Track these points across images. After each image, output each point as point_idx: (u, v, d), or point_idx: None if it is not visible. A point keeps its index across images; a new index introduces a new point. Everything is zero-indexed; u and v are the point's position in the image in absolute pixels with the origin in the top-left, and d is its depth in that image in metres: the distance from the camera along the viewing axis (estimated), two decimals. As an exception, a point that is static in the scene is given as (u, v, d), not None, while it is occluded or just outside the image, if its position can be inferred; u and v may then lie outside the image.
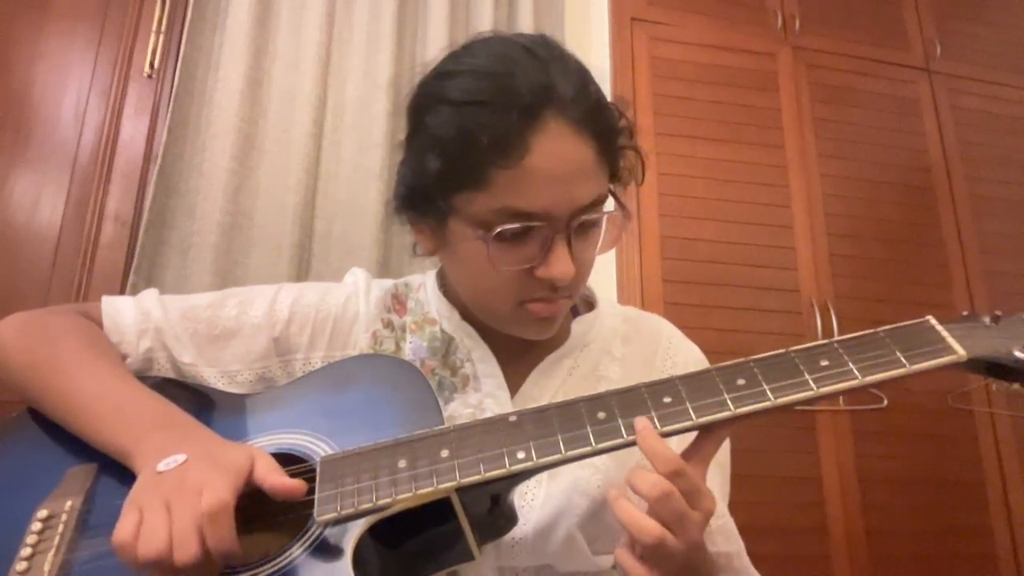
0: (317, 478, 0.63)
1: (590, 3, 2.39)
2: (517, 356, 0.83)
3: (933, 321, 0.62)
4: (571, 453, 0.60)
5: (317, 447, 0.68)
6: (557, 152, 0.67)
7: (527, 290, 0.72)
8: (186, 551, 0.55)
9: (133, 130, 1.93)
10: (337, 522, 0.61)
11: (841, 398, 2.04)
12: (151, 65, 1.96)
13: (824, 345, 0.62)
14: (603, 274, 2.05)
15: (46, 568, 0.61)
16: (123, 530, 0.56)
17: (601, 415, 0.61)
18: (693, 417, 0.60)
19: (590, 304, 0.90)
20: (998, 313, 0.61)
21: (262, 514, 0.64)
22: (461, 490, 0.60)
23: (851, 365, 0.60)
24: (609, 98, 0.75)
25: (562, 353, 0.83)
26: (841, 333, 0.63)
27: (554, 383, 0.82)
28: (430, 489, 0.60)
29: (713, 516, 0.73)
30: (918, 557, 2.03)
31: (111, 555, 0.62)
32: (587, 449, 0.60)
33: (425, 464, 0.61)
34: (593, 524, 0.74)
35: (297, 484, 0.62)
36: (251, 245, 1.87)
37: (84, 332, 0.79)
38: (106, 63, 1.95)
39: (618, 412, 0.61)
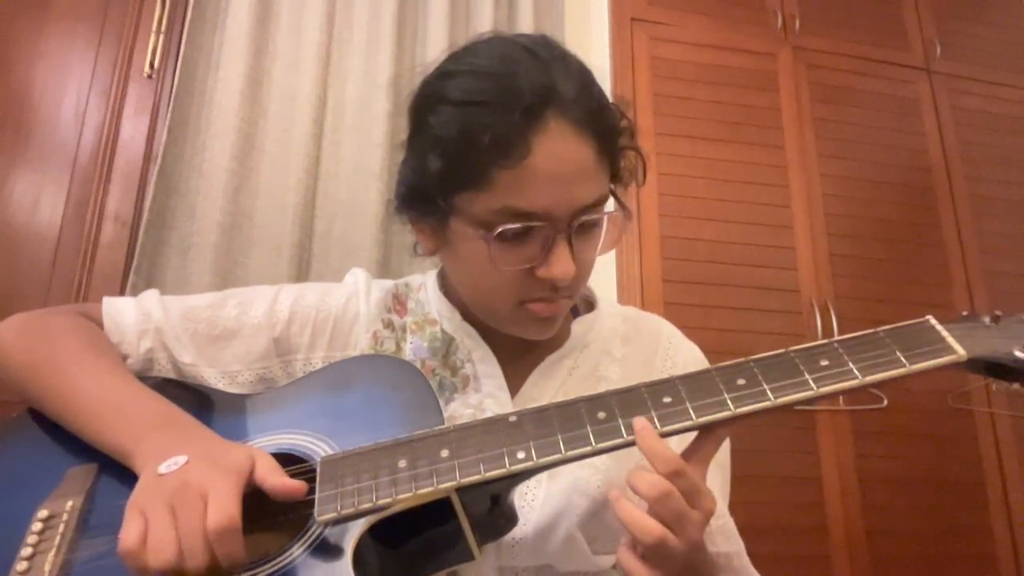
0: (317, 478, 0.63)
1: (590, 3, 2.39)
2: (517, 356, 0.83)
3: (933, 321, 0.62)
4: (571, 453, 0.60)
5: (317, 447, 0.68)
6: (558, 152, 0.67)
7: (528, 290, 0.72)
8: (196, 561, 0.55)
9: (133, 130, 1.93)
10: (337, 522, 0.61)
11: (841, 398, 2.04)
12: (151, 65, 1.97)
13: (824, 345, 0.62)
14: (603, 274, 2.06)
15: (46, 568, 0.61)
16: (129, 537, 0.56)
17: (601, 415, 0.61)
18: (693, 417, 0.60)
19: (590, 304, 0.90)
20: (998, 313, 0.61)
21: (262, 514, 0.64)
22: (461, 490, 0.60)
23: (851, 365, 0.60)
24: (610, 98, 0.75)
25: (562, 353, 0.83)
26: (841, 333, 0.63)
27: (554, 384, 0.82)
28: (430, 489, 0.60)
29: (713, 516, 0.73)
30: (918, 557, 2.03)
31: (111, 555, 0.62)
32: (587, 449, 0.60)
33: (425, 464, 0.61)
34: (593, 524, 0.74)
35: (297, 484, 0.62)
36: (251, 245, 1.87)
37: (84, 332, 0.79)
38: (106, 63, 1.95)
39: (618, 412, 0.61)
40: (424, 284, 0.89)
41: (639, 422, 0.60)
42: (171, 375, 0.82)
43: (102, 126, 1.90)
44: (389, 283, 0.90)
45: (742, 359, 0.62)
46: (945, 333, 0.61)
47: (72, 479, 0.69)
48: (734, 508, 0.83)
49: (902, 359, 0.60)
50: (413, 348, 0.83)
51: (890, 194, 2.36)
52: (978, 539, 2.09)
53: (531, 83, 0.67)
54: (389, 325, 0.85)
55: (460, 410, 0.79)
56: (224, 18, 2.00)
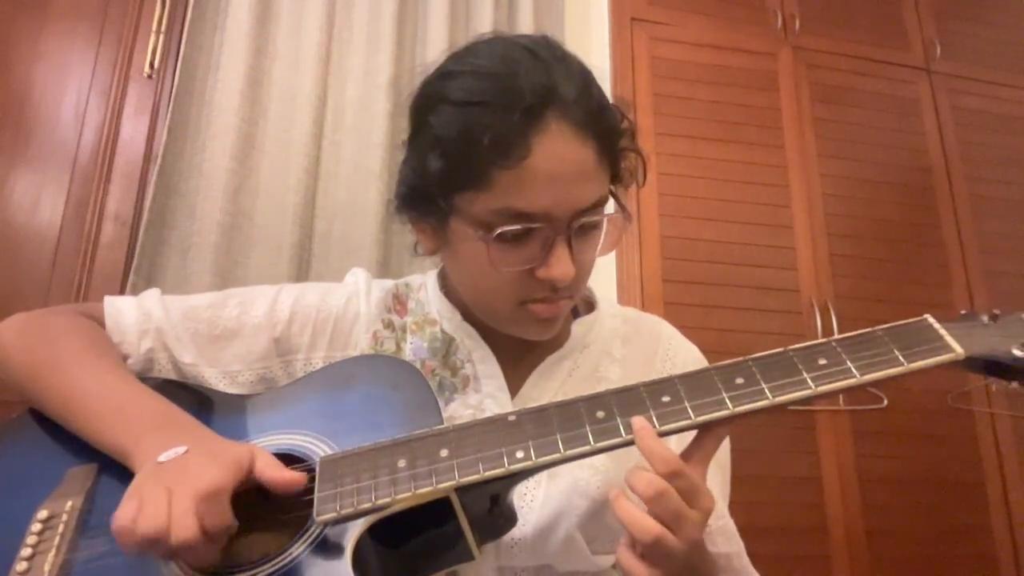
0: (317, 478, 0.63)
1: (590, 3, 2.39)
2: (517, 357, 0.83)
3: (931, 320, 0.62)
4: (570, 452, 0.60)
5: (317, 447, 0.69)
6: (558, 153, 0.67)
7: (527, 290, 0.72)
8: (183, 530, 0.55)
9: (133, 130, 1.93)
10: (337, 522, 0.61)
11: (841, 398, 2.05)
12: (151, 65, 1.97)
13: (822, 344, 0.62)
14: (603, 274, 2.06)
15: (46, 568, 0.61)
16: (123, 515, 0.56)
17: (600, 414, 0.61)
18: (692, 416, 0.60)
19: (590, 305, 0.90)
20: (996, 312, 0.61)
21: (262, 514, 0.64)
22: (460, 490, 0.60)
23: (849, 364, 0.60)
24: (611, 100, 0.75)
25: (562, 354, 0.84)
26: (841, 333, 0.63)
27: (554, 384, 0.82)
28: (429, 489, 0.60)
29: (713, 516, 0.73)
30: (918, 557, 2.03)
31: (111, 555, 0.62)
32: (586, 448, 0.60)
33: (424, 464, 0.61)
34: (592, 524, 0.74)
35: (296, 476, 0.62)
36: (251, 245, 1.87)
37: (85, 332, 0.79)
38: (106, 63, 1.95)
39: (617, 411, 0.61)
40: (424, 284, 0.89)
41: (638, 421, 0.60)
42: (172, 375, 0.82)
43: (102, 126, 1.90)
44: (389, 283, 0.90)
45: (741, 358, 0.62)
46: (943, 332, 0.61)
47: (72, 479, 0.69)
48: (734, 508, 0.83)
49: (900, 358, 0.60)
50: (413, 348, 0.83)
51: (890, 194, 2.36)
52: (978, 539, 2.09)
53: (532, 84, 0.67)
54: (389, 325, 0.85)
55: (460, 410, 0.79)
56: (224, 18, 2.00)
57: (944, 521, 2.08)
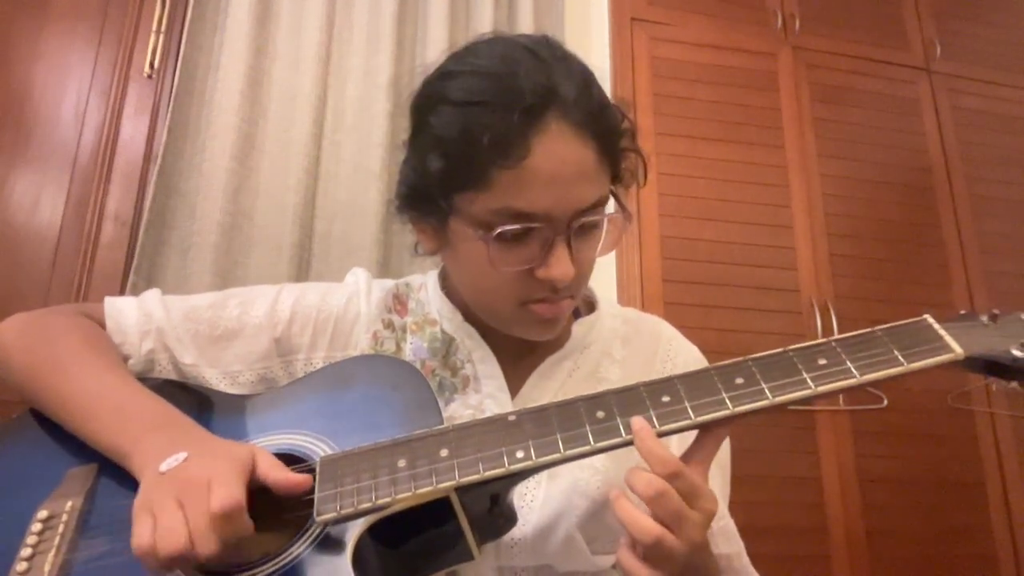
0: (317, 478, 0.63)
1: (590, 3, 2.39)
2: (518, 357, 0.83)
3: (931, 320, 0.62)
4: (570, 452, 0.60)
5: (317, 447, 0.69)
6: (558, 153, 0.67)
7: (528, 291, 0.72)
8: (207, 546, 0.55)
9: (133, 130, 1.93)
10: (337, 521, 0.61)
11: (841, 398, 2.05)
12: (151, 65, 1.97)
13: (822, 344, 0.62)
14: (603, 274, 2.05)
15: (46, 568, 0.61)
16: (140, 537, 0.56)
17: (600, 414, 0.61)
18: (692, 416, 0.60)
19: (591, 305, 0.90)
20: (996, 312, 0.61)
21: (262, 514, 0.64)
22: (460, 489, 0.60)
23: (849, 364, 0.60)
24: (611, 99, 0.75)
25: (562, 355, 0.84)
26: (841, 333, 0.63)
27: (554, 385, 0.82)
28: (429, 488, 0.60)
29: (714, 517, 0.73)
30: (918, 557, 2.03)
31: (111, 555, 0.62)
32: (586, 448, 0.60)
33: (424, 464, 0.61)
34: (592, 525, 0.74)
35: (301, 478, 0.62)
36: (251, 245, 1.87)
37: (85, 332, 0.79)
38: (106, 63, 1.95)
39: (617, 411, 0.61)
40: (425, 284, 0.89)
41: (637, 422, 0.60)
42: (172, 376, 0.82)
43: (102, 126, 1.90)
44: (390, 283, 0.90)
45: (740, 358, 0.62)
46: (943, 332, 0.61)
47: (72, 480, 0.69)
48: (734, 508, 0.83)
49: (900, 358, 0.60)
50: (413, 348, 0.83)
51: (890, 194, 2.36)
52: (978, 539, 2.09)
53: (532, 84, 0.67)
54: (389, 325, 0.85)
55: (460, 411, 0.79)
56: (224, 18, 2.00)
57: (944, 521, 2.07)
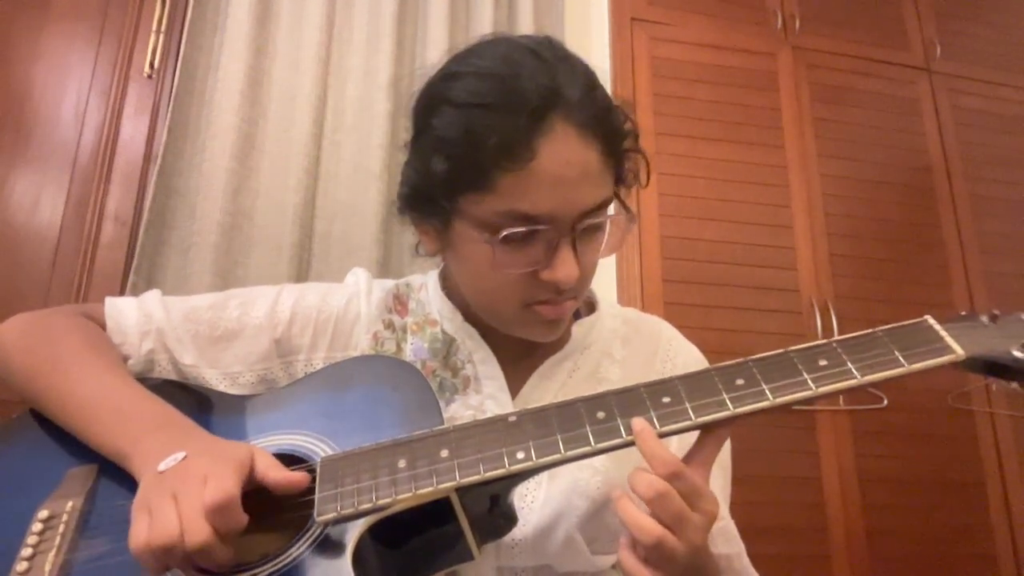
0: (317, 478, 0.63)
1: (590, 3, 2.39)
2: (518, 358, 0.83)
3: (931, 320, 0.62)
4: (570, 453, 0.60)
5: (317, 448, 0.69)
6: (563, 155, 0.67)
7: (532, 292, 0.72)
8: (196, 536, 0.55)
9: (133, 130, 1.93)
10: (337, 522, 0.61)
11: (841, 398, 2.05)
12: (151, 65, 1.97)
13: (823, 345, 0.62)
14: (603, 274, 2.05)
15: (47, 568, 0.61)
16: (137, 535, 0.56)
17: (600, 415, 0.61)
18: (692, 417, 0.60)
19: (591, 306, 0.90)
20: (996, 312, 0.61)
21: (262, 514, 0.64)
22: (461, 490, 0.60)
23: (850, 365, 0.60)
24: (613, 101, 0.75)
25: (563, 355, 0.84)
26: (841, 333, 0.63)
27: (554, 385, 0.82)
28: (430, 489, 0.60)
29: None
30: (918, 557, 2.03)
31: (111, 555, 0.62)
32: (586, 449, 0.60)
33: (425, 464, 0.61)
34: (593, 525, 0.74)
35: (299, 476, 0.62)
36: (251, 245, 1.87)
37: (85, 333, 0.79)
38: (106, 63, 1.95)
39: (617, 412, 0.61)
40: (425, 284, 0.89)
41: (638, 423, 0.60)
42: (172, 376, 0.82)
43: (102, 126, 1.90)
44: (390, 283, 0.90)
45: (741, 359, 0.62)
46: (943, 332, 0.61)
47: (72, 480, 0.69)
48: (734, 508, 0.83)
49: (900, 359, 0.60)
50: (413, 349, 0.83)
51: (890, 194, 2.36)
52: (978, 539, 2.09)
53: (536, 85, 0.67)
54: (390, 326, 0.85)
55: (460, 411, 0.79)
56: (224, 18, 2.00)
57: (944, 521, 2.07)
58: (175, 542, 0.55)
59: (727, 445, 0.83)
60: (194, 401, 0.77)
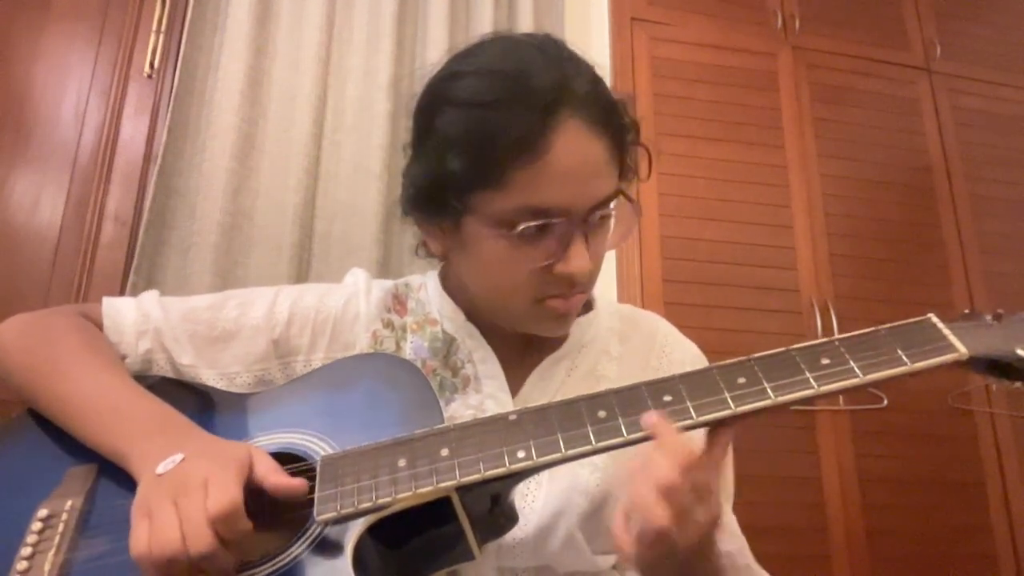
0: (317, 477, 0.63)
1: (590, 3, 2.39)
2: (517, 358, 0.83)
3: (935, 319, 0.62)
4: (571, 452, 0.60)
5: (317, 446, 0.68)
6: (575, 149, 0.68)
7: (544, 287, 0.73)
8: (199, 544, 0.55)
9: (133, 130, 1.93)
10: (337, 521, 0.61)
11: (841, 397, 2.04)
12: (151, 65, 1.96)
13: (825, 343, 0.62)
14: (603, 274, 2.02)
15: (46, 567, 0.61)
16: (138, 541, 0.56)
17: (601, 414, 0.61)
18: (694, 416, 0.60)
19: (587, 304, 0.90)
20: (1000, 311, 0.60)
21: (261, 513, 0.64)
22: (461, 489, 0.60)
23: (852, 364, 0.60)
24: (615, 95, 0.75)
25: (561, 354, 0.84)
26: (841, 333, 0.63)
27: (553, 384, 0.82)
28: (430, 488, 0.60)
29: None
30: (918, 557, 2.03)
31: (111, 555, 0.62)
32: (587, 448, 0.60)
33: (425, 463, 0.61)
34: (592, 523, 0.74)
35: (298, 483, 0.62)
36: (251, 245, 1.87)
37: (83, 333, 0.79)
38: (106, 63, 1.95)
39: (618, 411, 0.61)
40: (424, 284, 0.89)
41: (651, 416, 0.59)
42: (170, 376, 0.82)
43: (102, 126, 1.90)
44: (389, 283, 0.90)
45: (743, 358, 0.62)
46: (947, 331, 0.60)
47: (72, 479, 0.69)
48: (734, 508, 0.83)
49: (904, 358, 0.59)
50: (414, 348, 0.83)
51: (890, 194, 2.36)
52: (978, 539, 2.09)
53: (546, 81, 0.68)
54: (389, 325, 0.85)
55: (460, 410, 0.79)
56: (224, 18, 2.00)
57: (944, 521, 2.07)
58: (178, 552, 0.54)
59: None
60: (193, 399, 0.77)
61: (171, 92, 1.92)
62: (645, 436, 0.60)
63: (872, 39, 2.51)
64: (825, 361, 0.60)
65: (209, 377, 0.81)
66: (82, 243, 1.82)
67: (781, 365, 0.61)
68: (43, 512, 0.65)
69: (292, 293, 0.86)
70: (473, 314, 0.83)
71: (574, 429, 0.61)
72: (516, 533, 0.71)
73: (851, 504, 2.02)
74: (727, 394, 0.60)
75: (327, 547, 0.60)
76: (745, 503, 0.88)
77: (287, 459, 0.67)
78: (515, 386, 0.81)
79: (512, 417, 0.63)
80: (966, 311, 0.62)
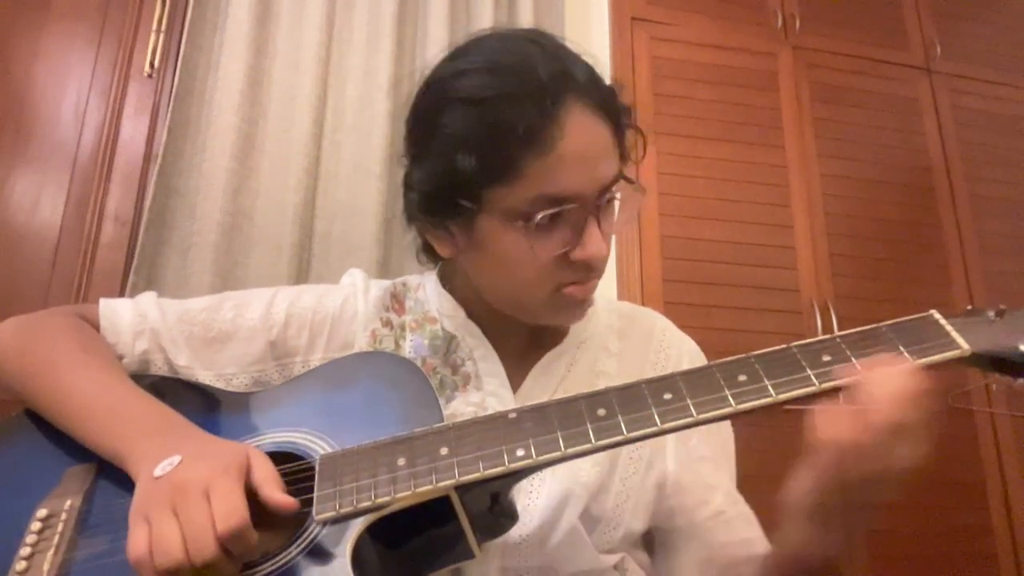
0: (316, 476, 0.63)
1: (590, 3, 2.39)
2: (517, 355, 0.83)
3: (937, 315, 0.61)
4: (571, 451, 0.59)
5: (316, 445, 0.68)
6: (584, 134, 0.70)
7: (562, 275, 0.73)
8: (203, 554, 0.54)
9: (133, 130, 1.93)
10: (336, 520, 0.61)
11: (841, 396, 2.04)
12: (151, 65, 1.96)
13: (826, 340, 0.61)
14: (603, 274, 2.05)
15: (45, 567, 0.61)
16: (136, 546, 0.55)
17: (601, 412, 0.61)
18: (694, 414, 0.59)
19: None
20: (1003, 307, 0.60)
21: (261, 512, 0.64)
22: (460, 488, 0.60)
23: (854, 360, 0.59)
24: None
25: (560, 351, 0.84)
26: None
27: (553, 381, 0.82)
28: (429, 487, 0.59)
29: (731, 502, 0.78)
30: (918, 557, 2.02)
31: (110, 554, 0.62)
32: (587, 447, 0.60)
33: (424, 462, 0.61)
34: (591, 514, 0.74)
35: (290, 501, 0.60)
36: (251, 245, 1.86)
37: (80, 333, 0.78)
38: (106, 63, 1.95)
39: (618, 409, 0.61)
40: (423, 284, 0.89)
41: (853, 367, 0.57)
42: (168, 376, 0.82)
43: (102, 126, 1.90)
44: (387, 283, 0.90)
45: (743, 355, 0.62)
46: (949, 327, 0.60)
47: (70, 479, 0.69)
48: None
49: (906, 354, 0.59)
50: (413, 346, 0.83)
51: (890, 194, 2.36)
52: (978, 539, 2.08)
53: (550, 71, 0.69)
54: (387, 323, 0.85)
55: (461, 408, 0.79)
56: (224, 18, 1.99)
57: (944, 521, 2.07)
58: (182, 563, 0.54)
59: (730, 436, 0.84)
60: (192, 398, 0.77)
61: (171, 92, 1.92)
62: (644, 435, 0.59)
63: (872, 39, 2.50)
64: (826, 358, 0.60)
65: (205, 378, 0.81)
66: (82, 243, 1.81)
67: (782, 362, 0.61)
68: (42, 512, 0.65)
69: (289, 294, 0.86)
70: (474, 312, 0.83)
71: (574, 427, 0.60)
72: (521, 530, 0.71)
73: (851, 504, 2.01)
74: (728, 392, 0.60)
75: (326, 546, 0.60)
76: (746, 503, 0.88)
77: (286, 458, 0.67)
78: (516, 383, 0.81)
79: (511, 415, 0.63)
80: (968, 307, 0.62)
